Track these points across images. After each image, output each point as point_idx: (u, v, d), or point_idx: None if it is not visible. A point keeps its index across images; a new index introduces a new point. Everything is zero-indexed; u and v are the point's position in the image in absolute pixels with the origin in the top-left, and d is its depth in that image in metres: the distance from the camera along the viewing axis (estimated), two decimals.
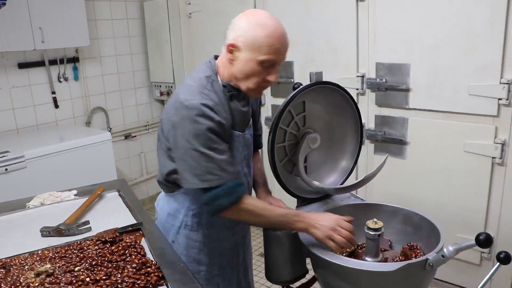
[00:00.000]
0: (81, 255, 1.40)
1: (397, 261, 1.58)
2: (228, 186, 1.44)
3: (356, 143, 1.87)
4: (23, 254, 1.47)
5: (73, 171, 3.09)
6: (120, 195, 1.97)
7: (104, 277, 1.26)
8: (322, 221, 1.48)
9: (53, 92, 3.75)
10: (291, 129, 1.72)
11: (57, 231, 1.62)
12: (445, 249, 1.36)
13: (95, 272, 1.30)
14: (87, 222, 1.65)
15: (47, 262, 1.38)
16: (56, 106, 3.79)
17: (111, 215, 1.74)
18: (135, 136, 4.39)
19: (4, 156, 2.82)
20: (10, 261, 1.41)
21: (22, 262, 1.40)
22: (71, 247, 1.46)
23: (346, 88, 1.76)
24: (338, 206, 1.79)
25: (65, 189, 2.09)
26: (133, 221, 1.68)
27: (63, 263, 1.36)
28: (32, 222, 1.77)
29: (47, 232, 1.63)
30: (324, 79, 1.71)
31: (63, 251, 1.44)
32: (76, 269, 1.32)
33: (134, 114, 4.39)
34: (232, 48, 1.49)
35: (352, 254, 1.68)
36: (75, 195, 2.00)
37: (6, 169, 2.81)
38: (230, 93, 1.55)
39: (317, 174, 1.83)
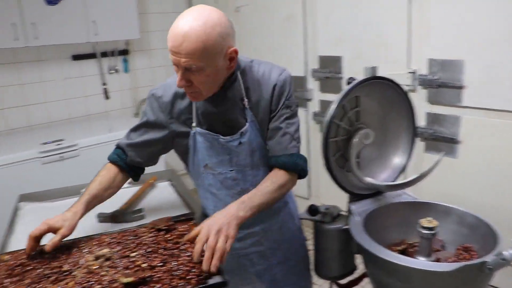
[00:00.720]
0: (137, 241, 1.43)
1: (450, 262, 1.54)
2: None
3: (409, 140, 1.83)
4: (82, 238, 1.52)
5: None
6: (171, 184, 2.01)
7: (159, 264, 1.29)
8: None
9: (104, 84, 3.86)
10: (344, 124, 1.70)
11: (112, 218, 1.67)
12: (505, 252, 1.31)
13: (150, 258, 1.32)
14: (141, 210, 1.69)
15: (105, 246, 1.43)
16: (107, 97, 3.90)
17: (163, 204, 1.78)
18: None
19: (60, 144, 2.93)
20: (70, 244, 1.46)
21: (81, 245, 1.45)
22: (126, 234, 1.50)
23: None
24: (389, 204, 1.76)
25: None
26: (185, 211, 1.71)
27: (119, 248, 1.40)
28: None
29: (102, 218, 1.68)
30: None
31: (119, 237, 1.48)
32: (133, 254, 1.35)
33: None
34: None
35: (403, 253, 1.65)
36: (128, 183, 2.05)
37: (61, 157, 2.92)
38: None
39: (369, 170, 1.81)
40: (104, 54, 3.84)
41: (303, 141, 3.42)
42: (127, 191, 1.93)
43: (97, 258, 1.34)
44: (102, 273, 1.27)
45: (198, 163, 1.60)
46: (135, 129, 1.63)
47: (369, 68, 1.66)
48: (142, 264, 1.29)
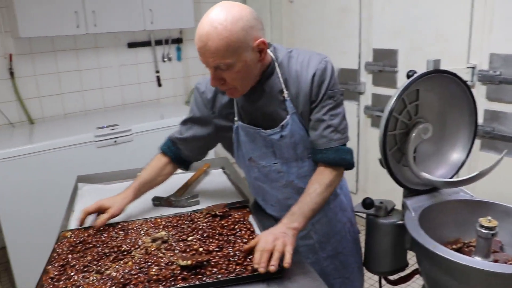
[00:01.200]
0: (193, 226, 1.46)
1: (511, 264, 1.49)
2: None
3: (469, 137, 1.77)
4: (138, 220, 1.57)
5: None
6: (224, 172, 2.03)
7: (216, 249, 1.31)
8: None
9: (157, 71, 3.94)
10: (402, 117, 1.66)
11: (167, 202, 1.71)
12: None
13: (207, 243, 1.35)
14: (196, 196, 1.72)
15: (161, 229, 1.46)
16: (159, 84, 3.98)
17: (217, 190, 1.81)
18: None
19: (114, 129, 3.01)
20: (128, 225, 1.52)
21: (138, 227, 1.49)
22: (182, 218, 1.53)
23: None
24: (446, 201, 1.72)
25: None
26: (238, 198, 1.73)
27: (175, 232, 1.44)
28: None
29: (158, 202, 1.72)
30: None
31: (174, 220, 1.52)
32: (189, 238, 1.38)
33: None
34: None
35: (459, 252, 1.61)
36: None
37: (115, 141, 3.00)
38: None
39: (425, 165, 1.77)
40: (158, 42, 3.91)
41: (353, 135, 3.39)
42: (181, 176, 1.96)
43: (154, 240, 1.38)
44: (160, 254, 1.30)
45: (243, 156, 1.60)
46: (184, 123, 1.68)
47: (431, 61, 1.61)
48: (199, 248, 1.31)
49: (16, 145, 2.79)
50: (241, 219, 1.49)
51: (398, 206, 1.76)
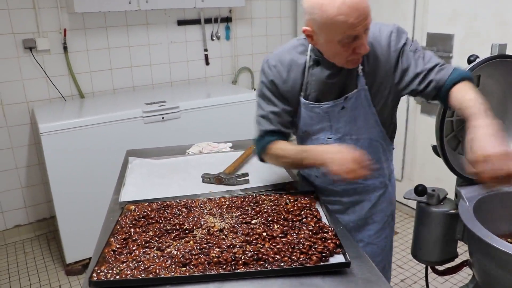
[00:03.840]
0: (257, 208, 1.43)
1: None
2: (255, 139, 1.59)
3: None
4: (202, 198, 1.56)
5: (219, 125, 3.25)
6: None
7: (280, 235, 1.27)
8: (334, 153, 1.35)
9: (206, 50, 3.95)
10: None
11: (217, 179, 1.71)
12: None
13: (271, 228, 1.31)
14: (246, 174, 1.72)
15: (224, 210, 1.44)
16: (207, 63, 3.99)
17: (265, 170, 1.79)
18: None
19: (162, 105, 3.05)
20: (191, 202, 1.51)
21: (201, 205, 1.49)
22: (246, 199, 1.51)
23: None
24: (502, 192, 1.65)
25: (210, 141, 2.22)
26: (288, 179, 1.72)
27: (239, 213, 1.41)
28: (192, 167, 1.90)
29: (207, 179, 1.73)
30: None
31: (239, 201, 1.49)
32: (253, 221, 1.35)
33: None
34: (308, 34, 1.40)
35: None
36: (230, 147, 2.10)
37: (162, 118, 3.04)
38: (315, 58, 1.49)
39: None
40: (208, 21, 3.91)
41: (401, 121, 3.30)
42: (230, 155, 1.97)
43: (216, 220, 1.37)
44: (222, 236, 1.28)
45: (300, 129, 1.60)
46: (264, 99, 1.60)
47: (496, 45, 1.54)
48: (262, 232, 1.28)
49: (67, 118, 2.88)
50: (308, 205, 1.45)
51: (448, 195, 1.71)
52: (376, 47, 1.47)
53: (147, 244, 1.27)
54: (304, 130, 1.59)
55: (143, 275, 1.13)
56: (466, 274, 2.60)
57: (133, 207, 1.50)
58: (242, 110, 3.33)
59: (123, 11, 3.46)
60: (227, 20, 4.00)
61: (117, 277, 1.14)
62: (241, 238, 1.26)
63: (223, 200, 1.52)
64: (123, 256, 1.22)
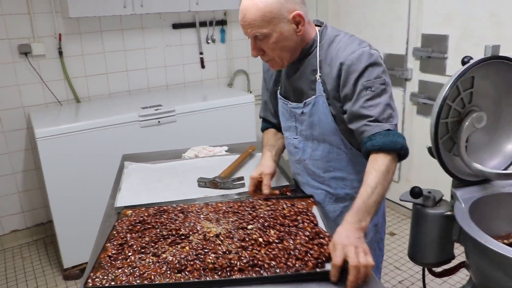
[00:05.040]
0: (254, 213, 1.42)
1: None
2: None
3: None
4: (198, 202, 1.57)
5: (215, 129, 3.25)
6: None
7: (276, 241, 1.26)
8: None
9: (201, 53, 3.95)
10: (456, 105, 1.60)
11: (213, 183, 1.71)
12: None
13: (267, 233, 1.30)
14: (242, 178, 1.72)
15: (221, 215, 1.44)
16: (203, 66, 3.99)
17: None
18: None
19: (158, 109, 3.05)
20: (188, 207, 1.51)
21: (198, 210, 1.48)
22: (243, 204, 1.50)
23: None
24: (498, 193, 1.66)
25: (207, 144, 2.21)
26: (284, 182, 1.72)
27: (235, 218, 1.40)
28: (187, 171, 1.90)
29: (203, 183, 1.73)
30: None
31: (235, 206, 1.49)
32: (249, 227, 1.34)
33: None
34: None
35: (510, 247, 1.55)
36: (225, 151, 2.09)
37: (158, 121, 3.04)
38: None
39: (477, 155, 1.70)
40: (203, 24, 3.91)
41: (398, 123, 3.32)
42: (226, 158, 1.97)
43: (213, 226, 1.36)
44: (217, 242, 1.27)
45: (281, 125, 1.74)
46: (262, 87, 1.82)
47: (490, 46, 1.54)
48: (258, 238, 1.27)
49: (63, 123, 2.87)
50: (304, 210, 1.44)
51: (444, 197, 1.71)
52: (333, 61, 1.46)
53: (143, 250, 1.26)
54: (282, 125, 1.71)
55: (138, 281, 1.13)
56: (463, 275, 2.60)
57: (130, 212, 1.50)
58: (238, 113, 3.34)
59: (118, 15, 3.45)
60: (222, 23, 4.00)
61: (112, 283, 1.14)
62: (237, 243, 1.26)
63: (219, 205, 1.52)
64: (118, 262, 1.22)
